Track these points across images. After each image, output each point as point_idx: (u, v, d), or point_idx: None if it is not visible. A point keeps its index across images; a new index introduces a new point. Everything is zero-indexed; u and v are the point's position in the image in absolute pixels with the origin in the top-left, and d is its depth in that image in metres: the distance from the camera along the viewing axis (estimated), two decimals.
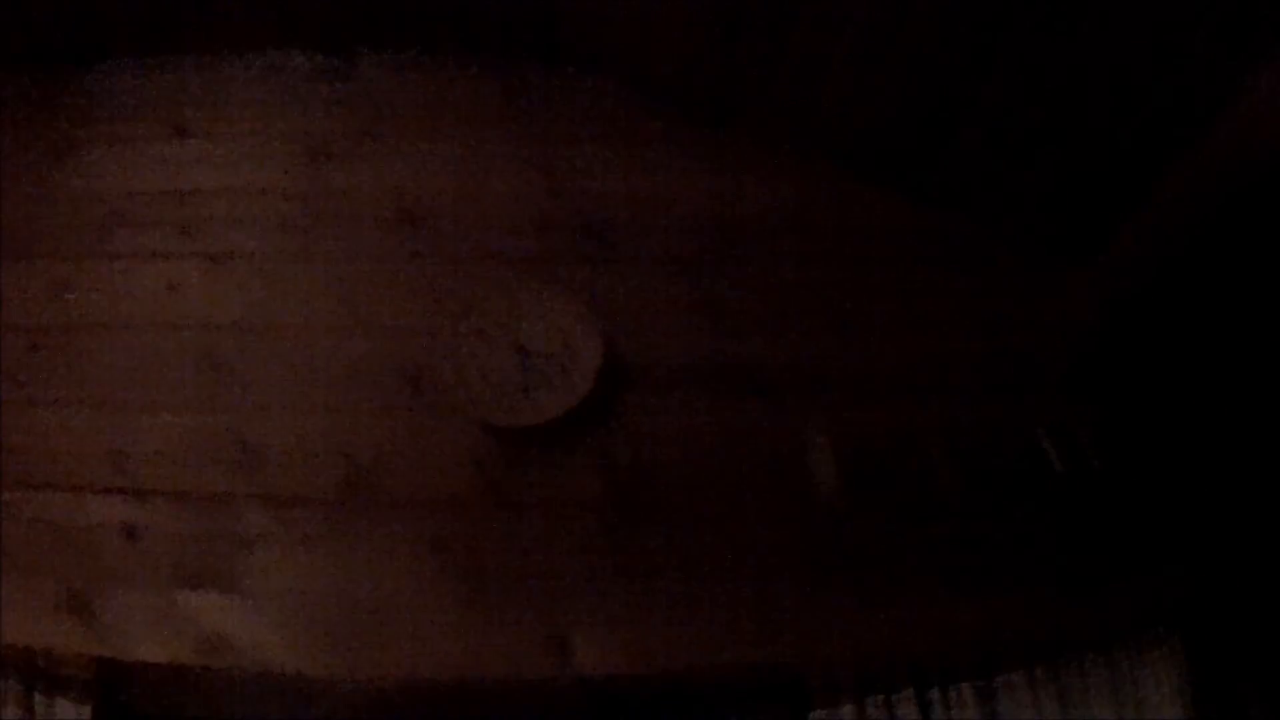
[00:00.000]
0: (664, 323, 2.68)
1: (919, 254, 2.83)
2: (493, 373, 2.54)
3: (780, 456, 2.55)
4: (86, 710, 2.35)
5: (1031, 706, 2.37)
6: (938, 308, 2.77)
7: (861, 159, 2.83)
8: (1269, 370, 2.52)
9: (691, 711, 2.45)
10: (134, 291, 2.72)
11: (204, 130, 2.90)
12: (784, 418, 2.59)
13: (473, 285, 2.67)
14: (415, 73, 2.95)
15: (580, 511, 2.46)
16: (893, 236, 2.85)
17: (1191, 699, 2.37)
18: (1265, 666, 2.40)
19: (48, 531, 2.47)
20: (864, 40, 2.50)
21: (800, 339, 2.69)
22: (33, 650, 2.35)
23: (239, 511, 2.47)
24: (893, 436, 2.57)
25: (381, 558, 2.41)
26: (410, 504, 2.47)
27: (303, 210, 2.78)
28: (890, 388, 2.65)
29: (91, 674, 2.38)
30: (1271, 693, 2.38)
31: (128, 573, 2.42)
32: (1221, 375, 2.59)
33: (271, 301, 2.69)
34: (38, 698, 2.37)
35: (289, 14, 2.90)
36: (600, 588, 2.38)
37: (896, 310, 2.75)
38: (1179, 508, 2.52)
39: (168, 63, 2.97)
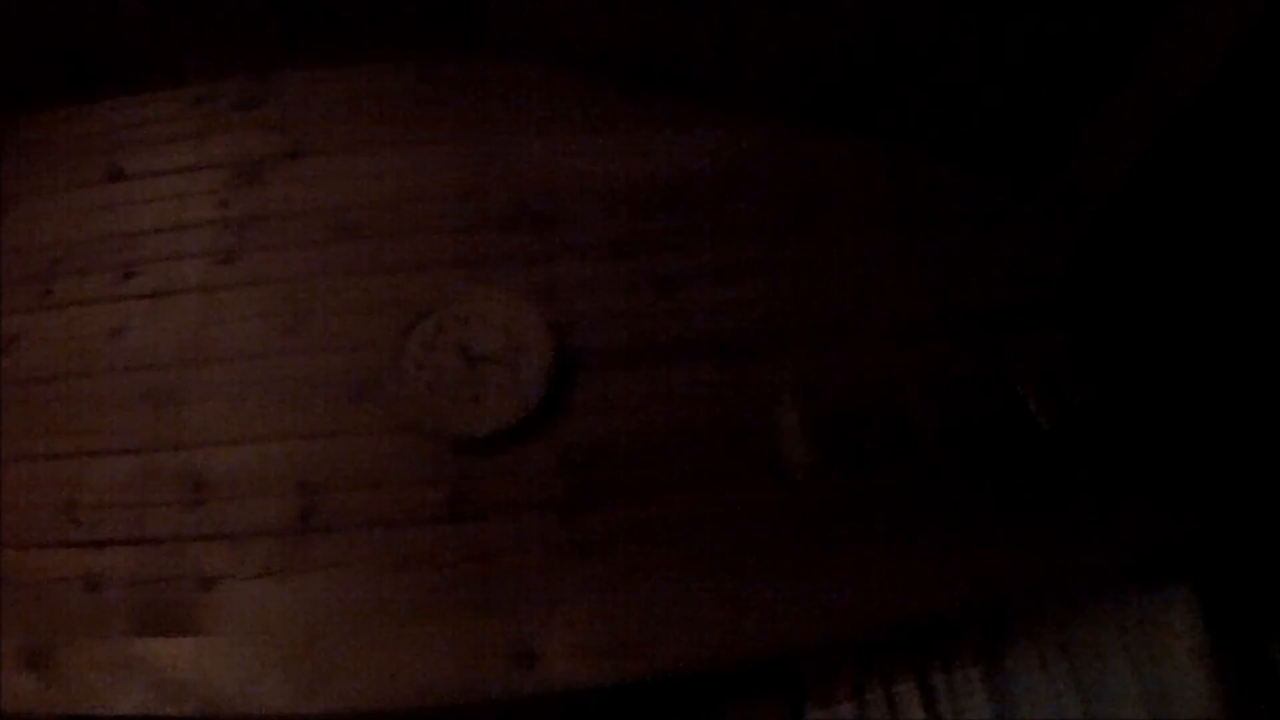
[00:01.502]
0: (613, 302, 2.58)
1: (872, 196, 2.72)
2: (441, 382, 2.45)
3: (745, 423, 2.43)
4: None
5: (1044, 687, 2.21)
6: (898, 251, 2.65)
7: (800, 103, 2.74)
8: (1256, 284, 2.36)
9: (682, 708, 2.31)
10: (79, 339, 2.69)
11: (138, 170, 2.87)
12: (746, 381, 2.48)
13: (414, 294, 2.59)
14: (340, 83, 2.91)
15: (542, 510, 2.36)
16: (843, 180, 2.74)
17: (1213, 658, 2.20)
18: None
19: (9, 590, 2.41)
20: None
21: (757, 299, 2.58)
22: None
23: (195, 552, 2.40)
24: (862, 390, 2.45)
25: (341, 583, 2.32)
26: (367, 524, 2.38)
27: (239, 238, 2.73)
28: (854, 338, 2.53)
29: None
30: None
31: (89, 624, 2.36)
32: (1208, 296, 2.43)
33: (213, 332, 2.63)
34: None
35: (211, 45, 2.87)
36: (566, 585, 2.28)
37: (854, 256, 2.64)
38: (1174, 445, 2.36)
39: (99, 106, 2.95)
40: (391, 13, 2.81)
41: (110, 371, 2.63)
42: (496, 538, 2.34)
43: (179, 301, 2.67)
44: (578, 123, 2.81)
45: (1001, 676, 2.23)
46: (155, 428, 2.54)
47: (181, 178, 2.83)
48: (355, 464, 2.44)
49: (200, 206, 2.78)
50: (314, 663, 2.24)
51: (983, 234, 2.65)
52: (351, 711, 2.20)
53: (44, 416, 2.61)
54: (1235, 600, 2.25)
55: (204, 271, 2.69)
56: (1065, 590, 2.27)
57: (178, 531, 2.43)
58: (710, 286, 2.59)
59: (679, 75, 2.76)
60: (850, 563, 2.27)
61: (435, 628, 2.26)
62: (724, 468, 2.39)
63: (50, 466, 2.54)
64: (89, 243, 2.78)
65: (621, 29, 2.70)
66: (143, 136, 2.90)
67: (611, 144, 2.78)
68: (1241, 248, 2.34)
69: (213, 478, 2.47)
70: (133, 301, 2.69)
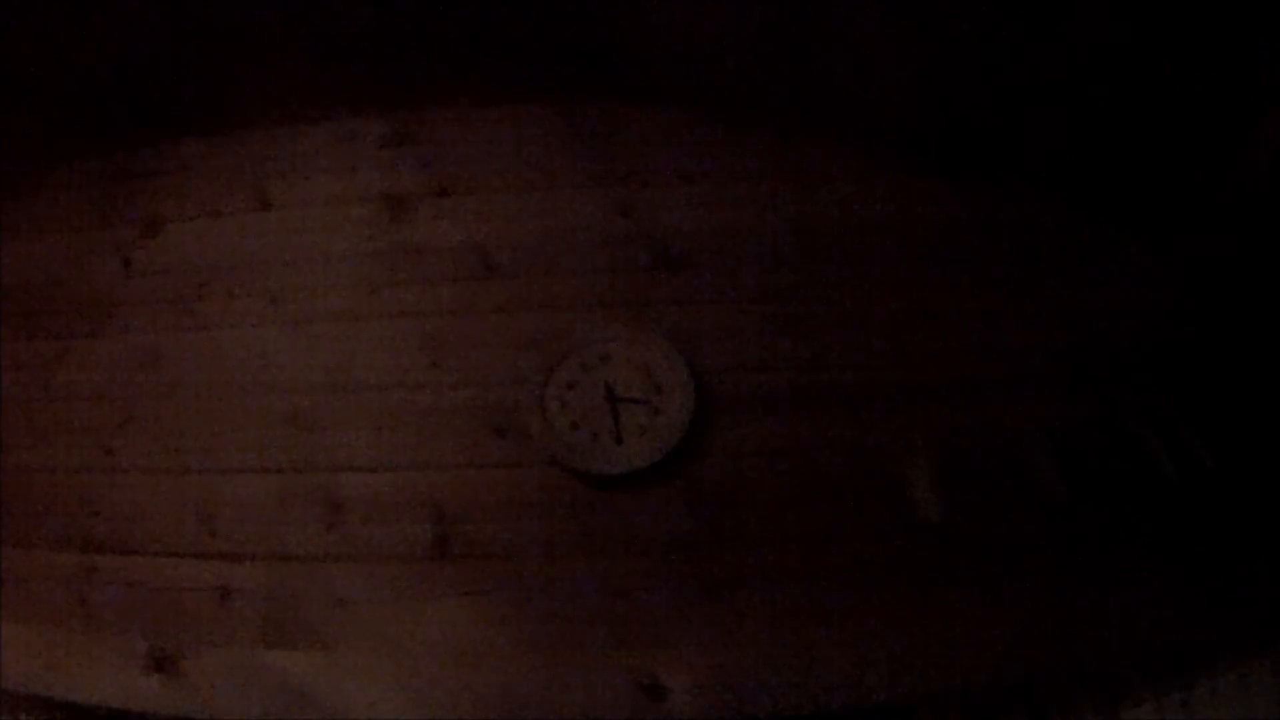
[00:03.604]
0: (747, 347, 2.62)
1: (1001, 247, 2.74)
2: (583, 422, 2.50)
3: (873, 472, 2.47)
4: None
5: None
6: (1022, 301, 2.67)
7: (931, 154, 2.78)
8: None
9: None
10: (222, 359, 2.77)
11: (286, 200, 2.95)
12: (874, 431, 2.51)
13: (557, 332, 2.65)
14: (485, 125, 2.97)
15: (670, 548, 2.40)
16: (973, 232, 2.76)
17: None
18: None
19: (138, 594, 2.49)
20: (919, 31, 2.47)
21: (884, 348, 2.61)
22: (123, 712, 2.34)
23: (330, 570, 2.46)
24: (990, 441, 2.48)
25: (471, 609, 2.37)
26: (500, 553, 2.43)
27: (384, 270, 2.80)
28: (982, 389, 2.55)
29: None
30: None
31: (218, 633, 2.43)
32: None
33: (356, 360, 2.70)
34: None
35: (357, 82, 2.96)
36: (694, 623, 2.31)
37: (982, 308, 2.66)
38: None
39: (248, 136, 3.03)
40: (535, 55, 2.88)
41: (252, 393, 2.70)
42: (628, 574, 2.38)
43: (323, 329, 2.74)
44: (716, 170, 2.86)
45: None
46: (294, 450, 2.61)
47: (329, 209, 2.90)
48: (492, 495, 2.49)
49: (347, 238, 2.85)
50: (443, 683, 2.30)
51: (1109, 287, 2.67)
52: None
53: (183, 432, 2.69)
54: None
55: (349, 301, 2.77)
56: (1188, 648, 2.27)
57: (313, 550, 2.49)
58: (844, 336, 2.62)
59: (814, 122, 2.82)
60: (974, 614, 2.30)
61: (565, 656, 2.31)
62: (852, 517, 2.42)
63: (188, 480, 2.62)
64: (235, 267, 2.86)
65: (756, 77, 2.77)
66: (291, 167, 2.98)
67: (749, 191, 2.82)
68: None
69: (350, 501, 2.53)
70: (277, 327, 2.77)
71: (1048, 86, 2.48)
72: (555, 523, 2.45)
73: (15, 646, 2.46)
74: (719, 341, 2.63)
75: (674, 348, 2.57)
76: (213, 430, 2.67)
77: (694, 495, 2.45)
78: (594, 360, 2.57)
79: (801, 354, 2.61)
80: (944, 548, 2.37)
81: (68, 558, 2.57)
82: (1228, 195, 2.36)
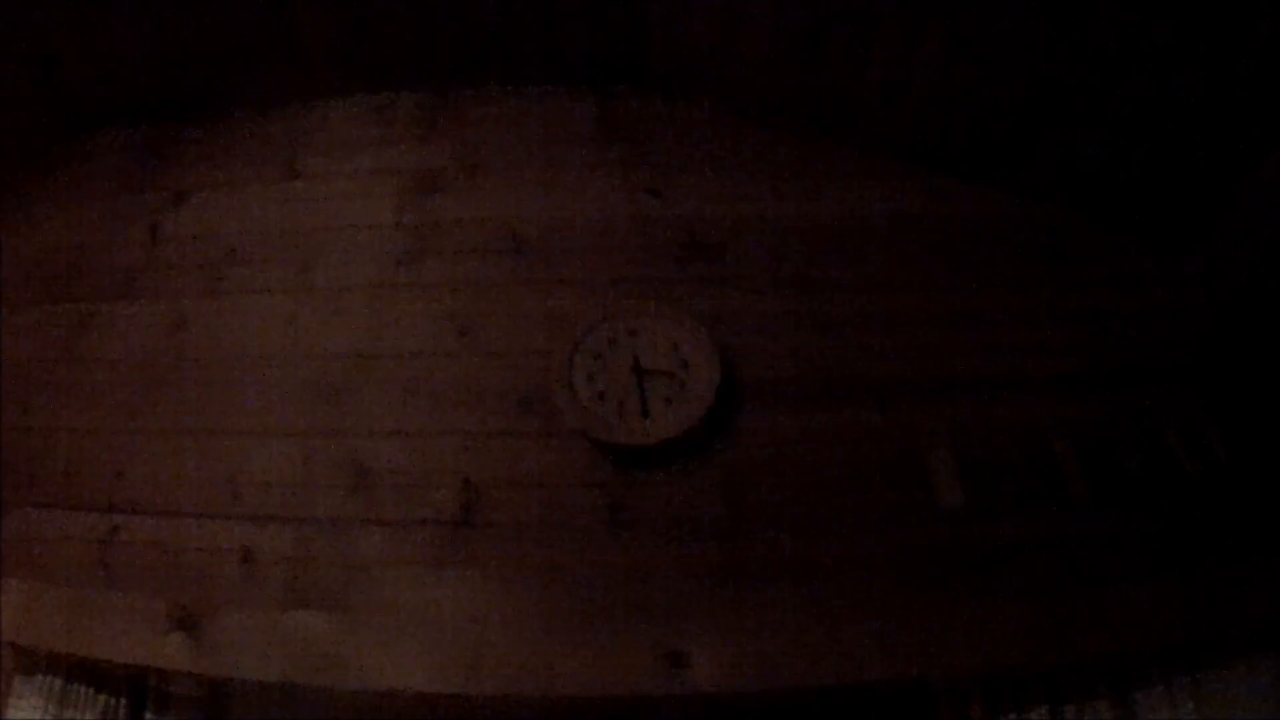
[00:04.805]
0: (776, 336, 2.65)
1: (1024, 249, 2.79)
2: (610, 394, 2.52)
3: (899, 463, 2.49)
4: None
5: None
6: (1049, 302, 2.71)
7: (957, 157, 2.82)
8: None
9: None
10: (249, 326, 2.79)
11: (316, 171, 2.97)
12: (901, 423, 2.54)
13: (584, 307, 2.67)
14: (516, 106, 3.01)
15: (698, 528, 2.41)
16: (1001, 234, 2.81)
17: None
18: None
19: (161, 555, 2.50)
20: (950, 38, 2.51)
21: (913, 343, 2.64)
22: (143, 669, 2.36)
23: (354, 535, 2.47)
24: (1016, 437, 2.51)
25: (497, 579, 2.38)
26: (527, 526, 2.44)
27: (413, 242, 2.82)
28: (1008, 386, 2.58)
29: (201, 692, 2.39)
30: None
31: (241, 594, 2.43)
32: None
33: (384, 331, 2.72)
34: (148, 716, 2.37)
35: (392, 59, 3.00)
36: (718, 602, 2.33)
37: (1007, 307, 2.70)
38: None
39: (278, 110, 3.05)
40: (571, 44, 2.93)
41: (279, 361, 2.72)
42: (653, 551, 2.40)
43: (352, 298, 2.76)
44: (747, 164, 2.89)
45: (1129, 714, 2.24)
46: (320, 417, 2.63)
47: (358, 182, 2.92)
48: (519, 466, 2.51)
49: (377, 210, 2.87)
50: (465, 648, 2.31)
51: (1131, 292, 2.71)
52: (501, 694, 2.24)
53: (206, 396, 2.71)
54: None
55: (378, 272, 2.79)
56: (1201, 638, 2.29)
57: (337, 515, 2.50)
58: (872, 330, 2.65)
59: (845, 121, 2.86)
60: (998, 602, 2.31)
61: (589, 625, 2.32)
62: (878, 506, 2.44)
63: (213, 444, 2.63)
64: (264, 235, 2.88)
65: (789, 78, 2.81)
66: (321, 140, 3.01)
67: (780, 186, 2.86)
68: None
69: (375, 469, 2.54)
70: (305, 295, 2.79)
71: (1070, 101, 2.52)
72: (582, 496, 2.47)
73: (38, 605, 2.46)
74: (747, 328, 2.66)
75: (702, 328, 2.59)
76: (239, 396, 2.68)
77: (720, 476, 2.47)
78: (621, 334, 2.59)
79: (829, 345, 2.64)
80: (967, 537, 2.39)
81: (91, 518, 2.58)
82: (1247, 207, 2.39)
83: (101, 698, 2.39)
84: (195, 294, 2.84)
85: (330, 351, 2.70)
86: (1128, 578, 2.33)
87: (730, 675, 2.24)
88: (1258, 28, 2.17)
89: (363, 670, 2.30)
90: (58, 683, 2.38)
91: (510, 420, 2.56)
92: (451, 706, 2.28)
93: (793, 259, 2.75)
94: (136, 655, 2.36)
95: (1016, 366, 2.61)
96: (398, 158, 2.95)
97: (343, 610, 2.37)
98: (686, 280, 2.72)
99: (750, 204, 2.83)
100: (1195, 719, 2.22)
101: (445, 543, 2.43)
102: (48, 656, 2.41)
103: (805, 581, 2.34)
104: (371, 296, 2.75)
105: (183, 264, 2.90)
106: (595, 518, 2.44)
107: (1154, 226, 2.70)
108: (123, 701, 2.39)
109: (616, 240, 2.78)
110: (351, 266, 2.80)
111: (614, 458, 2.49)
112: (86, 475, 2.65)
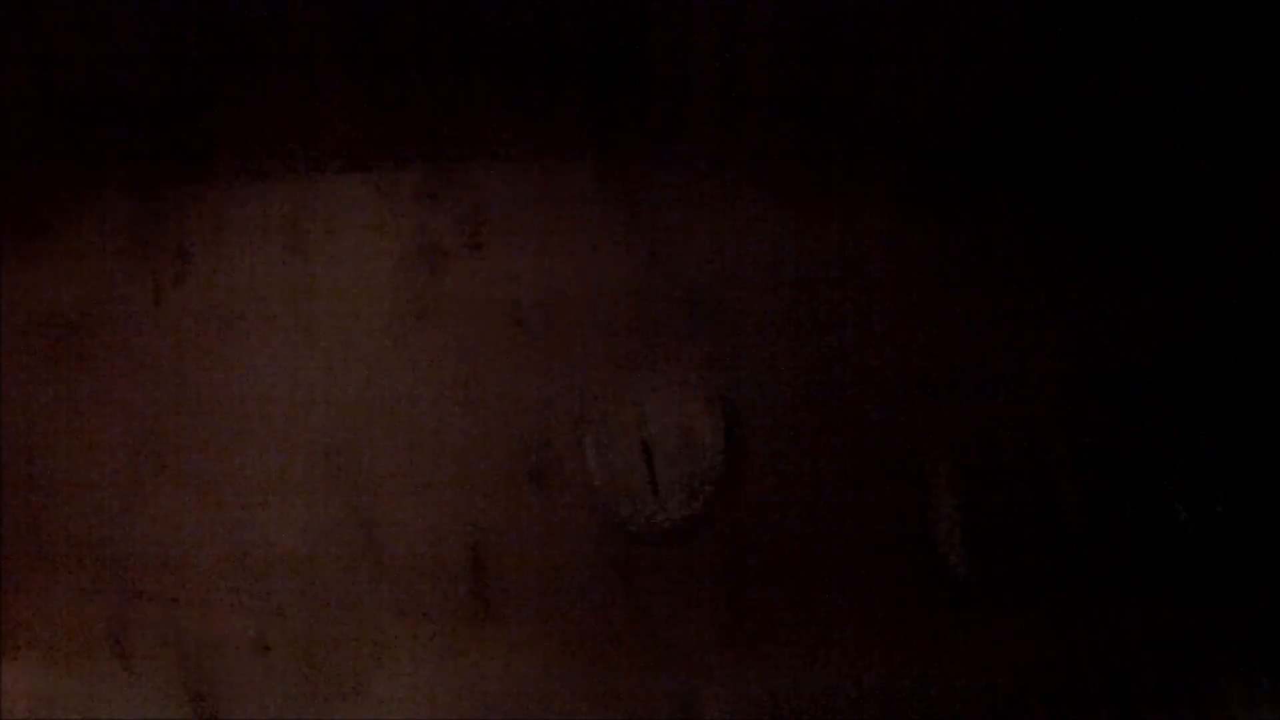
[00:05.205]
0: (780, 385, 2.66)
1: (1028, 262, 2.76)
2: (619, 471, 2.55)
3: (904, 510, 2.52)
4: None
5: None
6: (1051, 332, 2.70)
7: (962, 158, 2.80)
8: None
9: None
10: (255, 391, 2.77)
11: (319, 240, 2.93)
12: (903, 466, 2.57)
13: (591, 386, 2.68)
14: (516, 177, 2.95)
15: (706, 586, 2.46)
16: (1001, 247, 2.78)
17: None
18: None
19: (177, 643, 2.50)
20: (954, 43, 2.50)
21: (914, 381, 2.66)
22: None
23: (369, 619, 2.48)
24: (1019, 472, 2.54)
25: (511, 654, 2.42)
26: (538, 597, 2.47)
27: (417, 309, 2.81)
28: (1010, 422, 2.60)
29: None
30: None
31: (257, 685, 2.46)
32: None
33: (389, 408, 2.71)
34: None
35: (393, 131, 2.98)
36: (730, 663, 2.38)
37: (1010, 341, 2.69)
38: None
39: (281, 178, 3.02)
40: (567, 109, 2.92)
41: (285, 423, 2.73)
42: (663, 611, 2.44)
43: (355, 372, 2.75)
44: (745, 219, 2.86)
45: None
46: (331, 496, 2.63)
47: (363, 252, 2.88)
48: (529, 543, 2.53)
49: (378, 281, 2.84)
50: None
51: (1130, 301, 2.71)
52: None
53: (216, 463, 2.71)
54: None
55: (383, 338, 2.78)
56: (1198, 663, 2.37)
57: (352, 597, 2.52)
58: (869, 370, 2.66)
59: (849, 123, 2.85)
60: (998, 635, 2.39)
61: (603, 686, 2.38)
62: (881, 552, 2.49)
63: (222, 513, 2.65)
64: (267, 303, 2.86)
65: (791, 79, 2.79)
66: (326, 210, 2.96)
67: (779, 238, 2.83)
68: None
69: (386, 543, 2.56)
70: (310, 359, 2.78)
71: (1079, 101, 2.50)
72: (593, 568, 2.49)
73: (50, 689, 2.47)
74: (750, 376, 2.66)
75: (708, 400, 2.61)
76: (247, 462, 2.69)
77: (727, 534, 2.51)
78: (629, 413, 2.61)
79: (831, 387, 2.65)
80: (969, 575, 2.45)
81: (102, 601, 2.58)
82: (1250, 219, 2.44)
83: None
84: (201, 359, 2.82)
85: (335, 428, 2.70)
86: (1125, 607, 2.42)
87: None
88: (1263, 39, 2.18)
89: None
90: None
91: (520, 497, 2.58)
92: None
93: (794, 303, 2.75)
94: None
95: (1020, 403, 2.63)
96: (399, 232, 2.91)
97: (362, 696, 2.40)
98: (689, 348, 2.71)
99: (750, 258, 2.80)
100: None
101: (457, 622, 2.46)
102: None
103: (812, 630, 2.40)
104: (373, 372, 2.75)
105: (188, 328, 2.87)
106: (606, 586, 2.47)
107: (1159, 233, 2.70)
108: None
109: (618, 310, 2.77)
110: (353, 341, 2.79)
111: (626, 532, 2.51)
112: (96, 554, 2.65)
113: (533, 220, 2.89)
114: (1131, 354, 2.65)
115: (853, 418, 2.62)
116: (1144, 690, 2.35)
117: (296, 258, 2.91)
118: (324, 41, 2.89)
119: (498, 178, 2.95)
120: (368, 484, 2.62)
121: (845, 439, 2.60)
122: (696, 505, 2.50)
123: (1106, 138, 2.55)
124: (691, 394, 2.62)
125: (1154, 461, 2.54)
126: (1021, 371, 2.65)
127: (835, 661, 2.36)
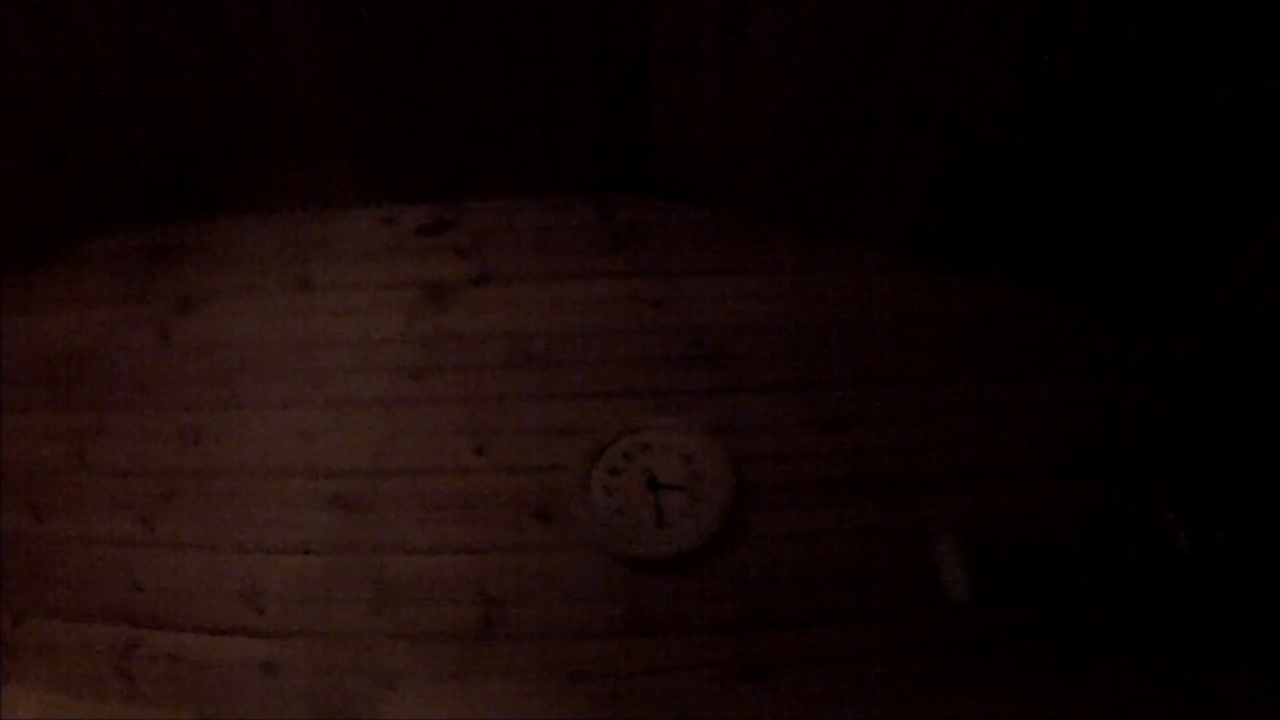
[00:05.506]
0: (785, 436, 2.73)
1: (1025, 344, 2.88)
2: (627, 509, 2.60)
3: (907, 558, 2.57)
4: None
5: None
6: (1045, 389, 2.80)
7: (952, 252, 2.93)
8: None
9: None
10: (264, 438, 2.84)
11: (326, 282, 3.02)
12: (909, 519, 2.62)
13: (597, 421, 2.75)
14: (521, 216, 3.08)
15: (714, 632, 2.49)
16: (991, 324, 2.91)
17: None
18: None
19: (185, 670, 2.51)
20: (943, 142, 2.63)
21: (915, 436, 2.73)
22: None
23: (377, 649, 2.50)
24: (1016, 528, 2.59)
25: (519, 691, 2.44)
26: (546, 636, 2.50)
27: (423, 355, 2.89)
28: (1008, 479, 2.67)
29: None
30: None
31: (265, 710, 2.44)
32: None
33: (398, 445, 2.78)
34: None
35: (398, 171, 3.08)
36: (736, 706, 2.39)
37: (1007, 401, 2.79)
38: None
39: (288, 219, 3.10)
40: (571, 151, 3.03)
41: (294, 471, 2.77)
42: (670, 654, 2.46)
43: (365, 412, 2.83)
44: (749, 265, 3.00)
45: None
46: (339, 531, 2.68)
47: (369, 294, 2.98)
48: (537, 578, 2.57)
49: (387, 323, 2.93)
50: None
51: (1121, 380, 2.81)
52: None
53: (224, 508, 2.75)
54: None
55: (390, 386, 2.86)
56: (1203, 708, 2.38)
57: (359, 630, 2.54)
58: (877, 427, 2.74)
59: (844, 221, 2.97)
60: (1004, 689, 2.40)
61: (608, 717, 2.39)
62: (887, 600, 2.52)
63: (230, 557, 2.67)
64: (276, 346, 2.94)
65: (787, 181, 2.93)
66: (332, 251, 3.06)
67: (781, 288, 2.96)
68: None
69: (396, 583, 2.59)
70: (318, 408, 2.85)
71: (1062, 193, 2.63)
72: (599, 605, 2.53)
73: (56, 714, 2.48)
74: (756, 430, 2.74)
75: (714, 433, 2.68)
76: (255, 509, 2.73)
77: (735, 579, 2.55)
78: (635, 449, 2.67)
79: (835, 443, 2.72)
80: (974, 625, 2.47)
81: (110, 631, 2.60)
82: (1230, 293, 2.53)
83: None
84: (211, 405, 2.89)
85: (345, 467, 2.76)
86: (1128, 657, 2.42)
87: None
88: (1232, 130, 2.30)
89: None
90: None
91: (528, 532, 2.63)
92: None
93: (796, 359, 2.85)
94: None
95: (1014, 458, 2.70)
96: (406, 270, 3.01)
97: None
98: (692, 386, 2.81)
99: (752, 306, 2.92)
100: None
101: (465, 656, 2.48)
102: None
103: (816, 676, 2.42)
104: (383, 411, 2.82)
105: (197, 374, 2.95)
106: (613, 626, 2.50)
107: (1144, 312, 2.80)
108: None
109: (623, 350, 2.87)
110: (362, 380, 2.87)
111: (631, 566, 2.55)
112: (103, 585, 2.68)
113: (537, 256, 3.03)
114: (1131, 421, 2.74)
115: (854, 475, 2.68)
116: None
117: (304, 301, 3.01)
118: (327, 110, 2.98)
119: (501, 214, 3.06)
120: (377, 537, 2.66)
121: (846, 494, 2.66)
122: (701, 538, 2.55)
123: (1089, 228, 2.68)
124: (696, 434, 2.69)
125: (1156, 513, 2.60)
126: (1023, 438, 2.73)
127: (838, 705, 2.38)
